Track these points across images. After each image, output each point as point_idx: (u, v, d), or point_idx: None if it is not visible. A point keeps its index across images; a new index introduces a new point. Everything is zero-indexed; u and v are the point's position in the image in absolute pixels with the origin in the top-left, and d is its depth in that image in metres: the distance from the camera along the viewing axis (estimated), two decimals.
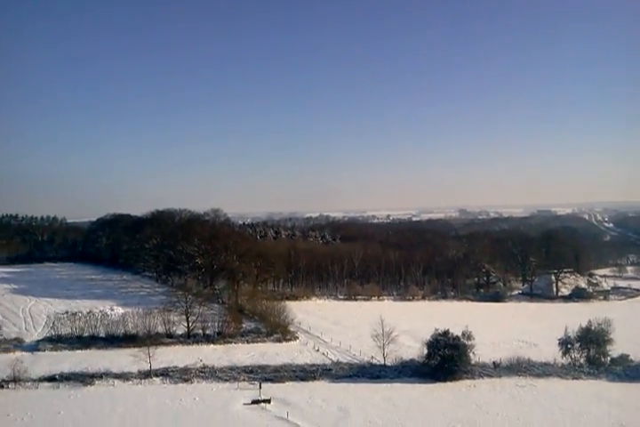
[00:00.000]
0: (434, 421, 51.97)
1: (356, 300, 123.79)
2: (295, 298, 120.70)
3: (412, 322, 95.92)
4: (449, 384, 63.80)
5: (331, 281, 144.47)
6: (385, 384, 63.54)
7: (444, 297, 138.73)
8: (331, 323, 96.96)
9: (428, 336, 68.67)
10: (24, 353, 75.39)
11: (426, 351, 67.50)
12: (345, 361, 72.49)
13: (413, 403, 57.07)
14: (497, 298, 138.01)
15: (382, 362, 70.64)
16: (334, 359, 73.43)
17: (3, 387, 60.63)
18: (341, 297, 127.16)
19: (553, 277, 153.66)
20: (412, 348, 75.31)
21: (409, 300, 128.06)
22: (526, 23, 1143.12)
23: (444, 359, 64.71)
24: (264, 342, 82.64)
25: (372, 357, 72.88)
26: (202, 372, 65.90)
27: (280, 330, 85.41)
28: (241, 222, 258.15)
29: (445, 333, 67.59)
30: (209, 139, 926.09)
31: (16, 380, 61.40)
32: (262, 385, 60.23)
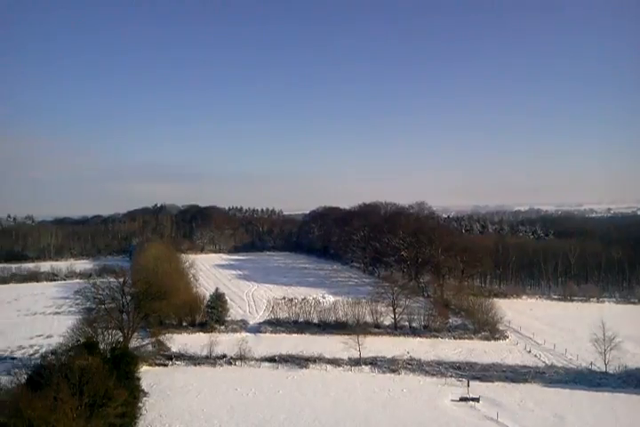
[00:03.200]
0: None
1: (571, 300, 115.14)
2: (504, 296, 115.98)
3: (638, 328, 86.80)
4: None
5: (543, 279, 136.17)
6: (607, 393, 58.37)
7: None
8: (543, 324, 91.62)
9: None
10: (248, 334, 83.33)
11: None
12: (560, 365, 68.11)
13: None
14: None
15: (603, 369, 65.08)
16: (548, 362, 69.40)
17: (231, 364, 67.81)
18: (555, 297, 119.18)
19: None
20: (637, 356, 68.30)
21: (634, 303, 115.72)
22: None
23: None
24: (471, 338, 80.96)
25: (592, 363, 67.45)
26: (409, 364, 66.78)
27: (488, 328, 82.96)
28: (445, 216, 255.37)
29: None
30: (409, 133, 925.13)
31: (242, 358, 68.35)
32: (470, 383, 59.22)
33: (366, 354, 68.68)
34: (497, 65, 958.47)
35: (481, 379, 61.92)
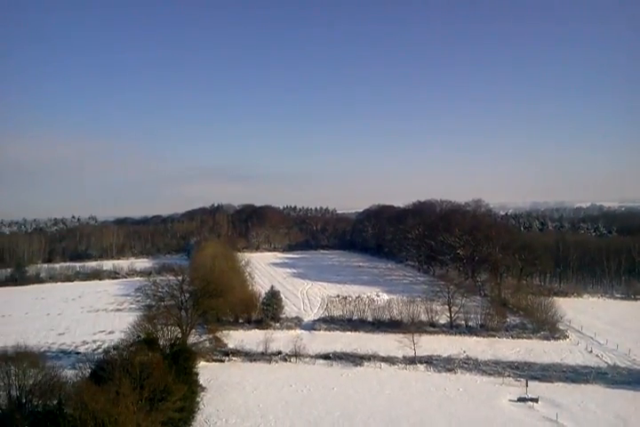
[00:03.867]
0: None
1: (635, 299, 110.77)
2: (564, 294, 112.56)
3: None
4: None
5: (605, 278, 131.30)
6: None
7: None
8: (606, 323, 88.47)
9: None
10: (303, 331, 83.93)
11: None
12: (623, 366, 65.70)
13: None
14: None
15: None
16: (610, 363, 67.03)
17: (286, 360, 68.53)
18: (618, 296, 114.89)
19: None
20: None
21: None
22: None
23: None
24: (530, 338, 78.99)
25: None
26: (465, 363, 65.84)
27: (548, 327, 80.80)
28: (503, 213, 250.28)
29: None
30: (466, 127, 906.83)
31: (297, 355, 68.95)
32: (529, 383, 57.84)
33: (421, 353, 68.10)
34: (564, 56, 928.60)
35: (540, 379, 60.39)
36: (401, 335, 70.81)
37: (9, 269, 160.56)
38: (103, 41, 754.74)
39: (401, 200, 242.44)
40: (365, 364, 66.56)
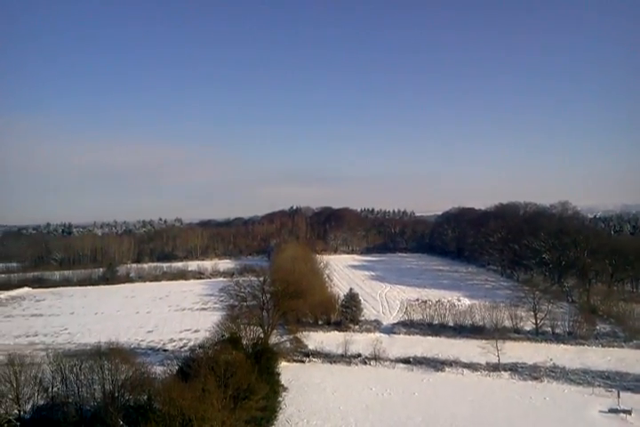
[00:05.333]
0: None
1: None
2: None
3: None
4: None
5: None
6: None
7: None
8: None
9: None
10: (382, 334, 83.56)
11: None
12: None
13: None
14: None
15: None
16: None
17: (366, 363, 68.48)
18: None
19: None
20: None
21: None
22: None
23: None
24: (621, 347, 74.97)
25: None
26: (552, 371, 63.38)
27: None
28: (591, 216, 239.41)
29: None
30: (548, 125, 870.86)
31: (376, 358, 68.79)
32: (621, 394, 54.94)
33: (505, 360, 66.14)
34: None
35: (633, 390, 57.19)
36: (484, 341, 69.16)
37: (101, 269, 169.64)
38: (172, 50, 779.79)
39: (481, 202, 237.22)
40: (447, 369, 65.42)
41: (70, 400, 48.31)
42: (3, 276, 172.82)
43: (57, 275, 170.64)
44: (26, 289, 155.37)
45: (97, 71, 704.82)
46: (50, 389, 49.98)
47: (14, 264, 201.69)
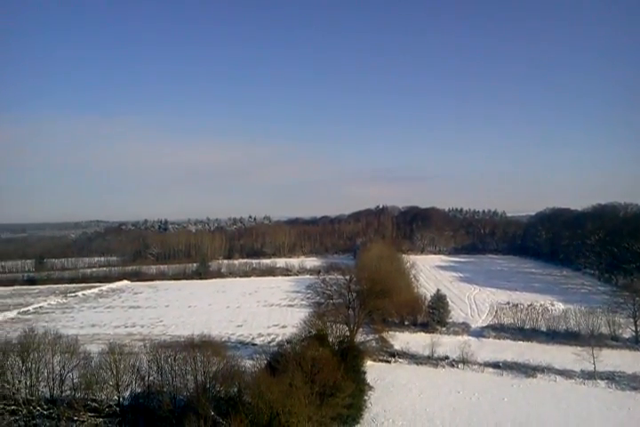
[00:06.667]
0: None
1: None
2: None
3: None
4: None
5: None
6: None
7: None
8: None
9: None
10: (470, 337, 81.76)
11: None
12: None
13: None
14: None
15: None
16: None
17: (454, 366, 67.35)
18: None
19: None
20: None
21: None
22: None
23: None
24: None
25: None
26: None
27: None
28: None
29: None
30: None
31: (464, 361, 67.48)
32: None
33: (602, 368, 62.97)
34: None
35: None
36: (578, 348, 66.24)
37: (194, 264, 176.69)
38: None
39: (577, 203, 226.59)
40: (538, 375, 63.11)
41: (165, 389, 50.65)
42: (104, 269, 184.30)
43: (153, 269, 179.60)
44: (125, 282, 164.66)
45: (186, 77, 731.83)
46: (146, 377, 52.73)
47: (115, 258, 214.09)
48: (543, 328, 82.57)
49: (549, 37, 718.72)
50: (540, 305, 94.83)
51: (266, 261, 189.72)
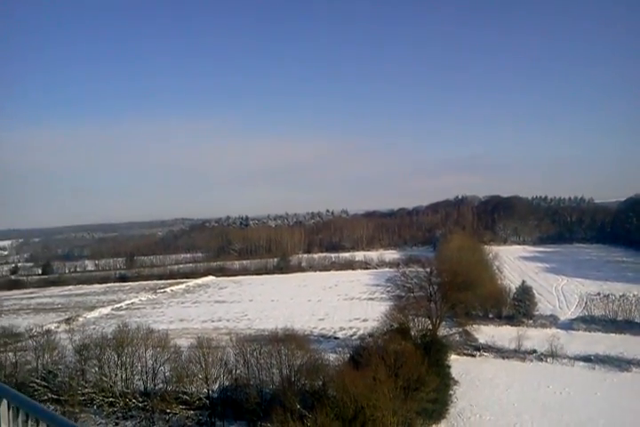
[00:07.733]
0: None
1: None
2: None
3: None
4: None
5: None
6: None
7: None
8: None
9: None
10: (559, 330, 78.96)
11: None
12: None
13: None
14: None
15: None
16: None
17: (542, 360, 65.39)
18: None
19: None
20: None
21: None
22: None
23: None
24: None
25: None
26: None
27: None
28: None
29: None
30: None
31: (553, 355, 65.44)
32: None
33: None
34: None
35: None
36: None
37: (275, 259, 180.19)
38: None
39: None
40: (634, 369, 60.32)
41: (252, 383, 52.15)
42: (190, 265, 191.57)
43: (236, 264, 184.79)
44: (210, 277, 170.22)
45: (271, 75, 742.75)
46: (233, 371, 54.48)
47: (199, 254, 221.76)
48: (637, 320, 78.72)
49: None
50: (634, 296, 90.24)
51: (345, 255, 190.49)
